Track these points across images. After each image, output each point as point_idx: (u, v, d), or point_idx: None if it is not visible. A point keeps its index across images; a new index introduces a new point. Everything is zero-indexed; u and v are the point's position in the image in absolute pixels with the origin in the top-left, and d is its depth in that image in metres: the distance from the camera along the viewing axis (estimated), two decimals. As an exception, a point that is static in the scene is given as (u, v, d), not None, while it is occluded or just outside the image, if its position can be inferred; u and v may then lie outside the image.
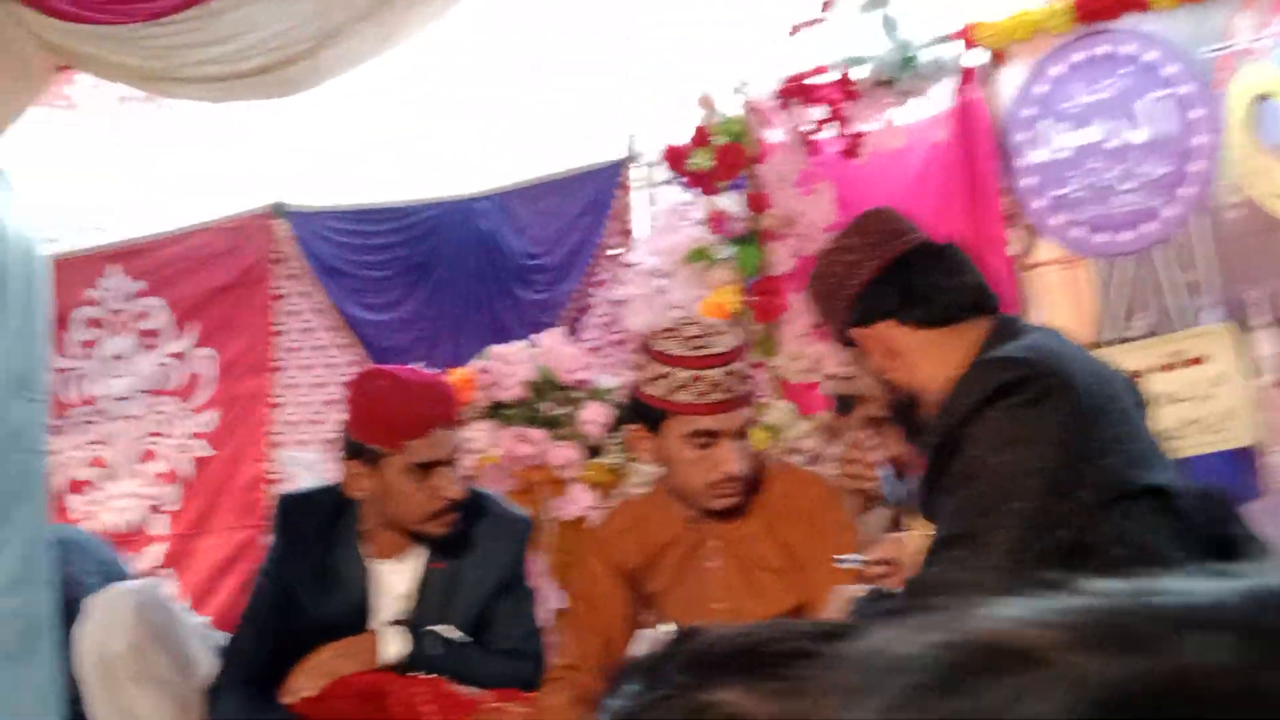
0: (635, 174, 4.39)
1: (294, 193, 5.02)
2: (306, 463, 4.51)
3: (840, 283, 1.85)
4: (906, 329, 1.82)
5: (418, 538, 2.47)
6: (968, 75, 3.66)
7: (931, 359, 1.79)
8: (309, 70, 4.28)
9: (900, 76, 3.64)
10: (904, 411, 1.87)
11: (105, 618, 2.41)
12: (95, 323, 5.08)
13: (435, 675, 2.40)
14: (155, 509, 5.11)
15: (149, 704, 2.46)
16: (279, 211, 5.00)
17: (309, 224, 5.00)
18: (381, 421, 2.39)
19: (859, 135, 3.71)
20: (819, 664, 0.86)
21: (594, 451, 3.45)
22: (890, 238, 1.88)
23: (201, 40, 4.19)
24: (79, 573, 2.62)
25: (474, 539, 2.49)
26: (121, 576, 2.89)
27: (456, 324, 4.76)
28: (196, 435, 5.18)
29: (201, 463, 5.18)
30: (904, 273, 1.84)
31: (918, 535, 1.94)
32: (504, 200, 4.72)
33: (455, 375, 3.42)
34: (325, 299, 4.97)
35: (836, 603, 2.03)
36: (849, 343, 1.90)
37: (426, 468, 2.38)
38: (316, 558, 2.47)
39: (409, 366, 2.73)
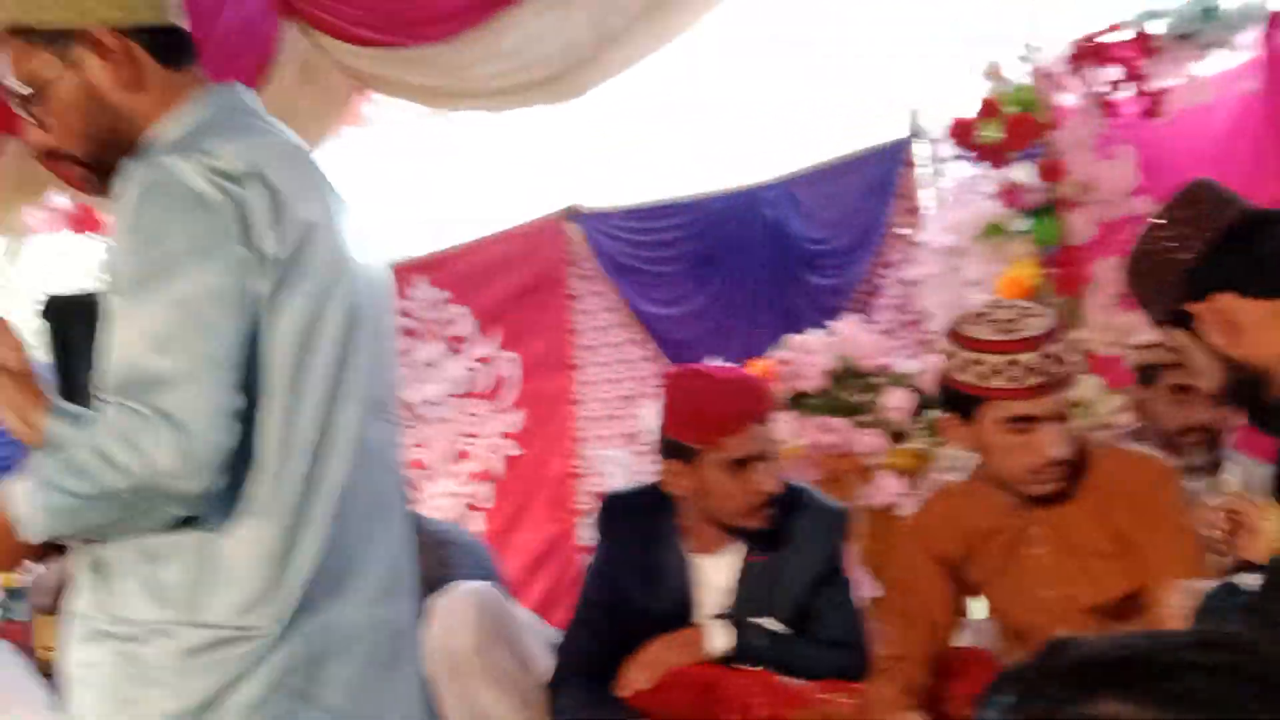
0: (920, 151, 4.32)
1: (585, 195, 5.17)
2: (619, 460, 4.64)
3: (1172, 256, 1.78)
4: (1250, 301, 1.74)
5: (736, 532, 2.51)
6: (1276, 20, 3.44)
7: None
8: (590, 75, 4.41)
9: (1202, 28, 3.46)
10: (1247, 391, 1.78)
11: (449, 618, 2.56)
12: (408, 332, 5.35)
13: (761, 667, 2.44)
14: (471, 507, 5.35)
15: (495, 701, 2.59)
16: (571, 214, 5.16)
17: (599, 224, 5.14)
18: (697, 420, 2.44)
19: (1160, 93, 3.55)
20: (1205, 675, 0.84)
21: (898, 437, 3.43)
22: (1221, 206, 1.80)
23: (487, 56, 4.38)
24: (459, 574, 2.80)
25: (792, 532, 2.52)
26: (496, 578, 3.07)
27: (747, 314, 4.81)
28: (505, 435, 5.40)
29: (511, 461, 5.40)
30: (1243, 241, 1.75)
31: (1275, 515, 1.85)
32: (789, 187, 4.72)
33: (755, 367, 3.46)
34: (618, 297, 5.09)
35: (1179, 594, 1.95)
36: (1176, 321, 1.83)
37: (743, 463, 2.42)
38: (641, 555, 2.55)
39: (721, 364, 2.77)
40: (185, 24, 1.71)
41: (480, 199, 5.52)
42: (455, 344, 5.46)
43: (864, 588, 2.89)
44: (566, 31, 4.15)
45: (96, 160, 1.67)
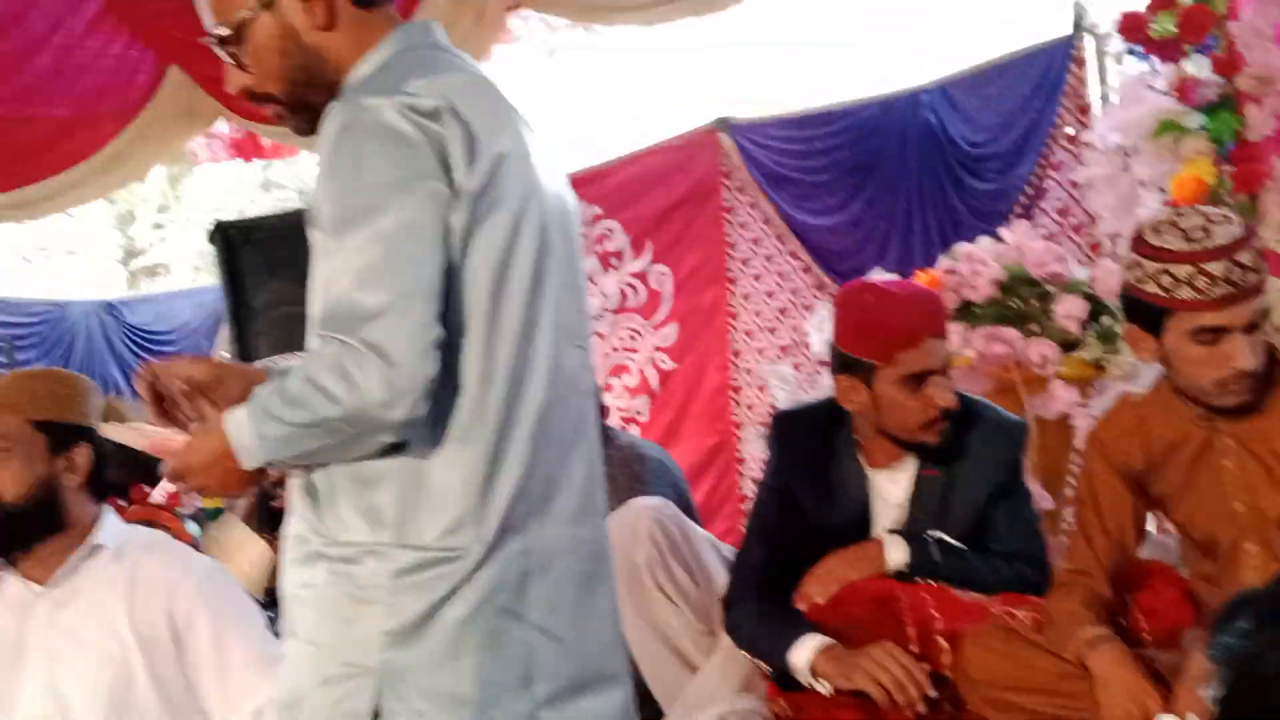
0: (1088, 47, 4.18)
1: (736, 106, 5.13)
2: (782, 374, 4.64)
3: None
4: None
5: (911, 446, 2.50)
6: None
7: None
8: (740, -16, 4.35)
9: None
10: None
11: (627, 533, 2.61)
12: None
13: (938, 581, 2.44)
14: (629, 420, 5.42)
15: (671, 614, 2.64)
16: (723, 126, 5.12)
17: (752, 135, 5.10)
18: (872, 335, 2.43)
19: (1345, -22, 3.36)
20: None
21: (1070, 346, 3.36)
22: None
23: (640, -33, 4.36)
24: (651, 490, 2.85)
25: (967, 445, 2.50)
26: (685, 494, 3.12)
27: (904, 223, 4.74)
28: (660, 349, 5.45)
29: (666, 375, 5.45)
30: None
31: None
32: (948, 90, 4.62)
33: (921, 277, 3.41)
34: (772, 209, 5.06)
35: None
36: None
37: (919, 378, 2.40)
38: (816, 469, 2.55)
39: (895, 278, 2.75)
40: None
41: (630, 113, 5.52)
42: (608, 259, 5.49)
43: (1039, 500, 2.86)
44: (718, -60, 4.10)
45: (293, 99, 1.72)
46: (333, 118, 1.58)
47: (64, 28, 5.43)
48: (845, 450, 2.55)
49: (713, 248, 5.29)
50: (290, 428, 1.53)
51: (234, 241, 5.67)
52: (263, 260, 5.62)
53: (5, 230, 10.20)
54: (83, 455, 2.28)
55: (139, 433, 1.82)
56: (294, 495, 1.67)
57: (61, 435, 2.27)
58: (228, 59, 1.71)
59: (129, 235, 11.22)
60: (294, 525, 1.67)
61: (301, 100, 1.71)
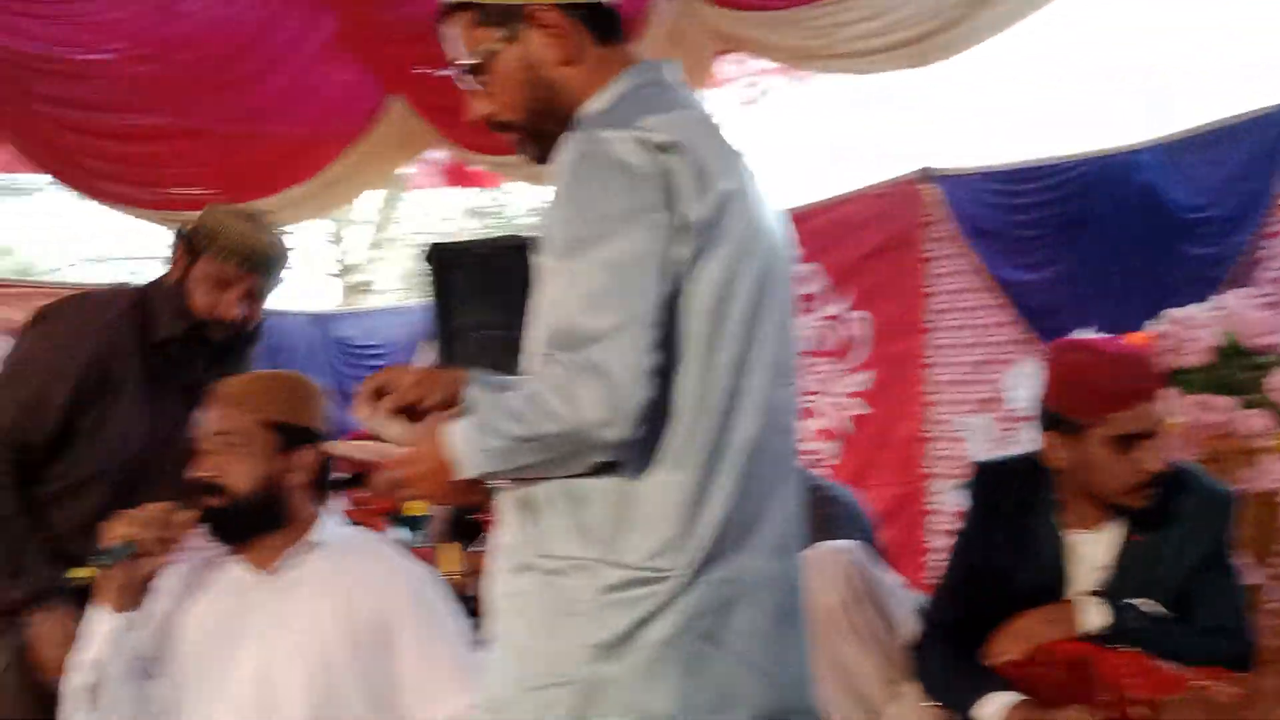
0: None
1: (942, 156, 5.10)
2: (979, 427, 4.59)
3: None
4: None
5: (1116, 509, 2.46)
6: None
7: None
8: (958, 37, 4.33)
9: None
10: None
11: (819, 573, 2.62)
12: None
13: (1135, 649, 2.39)
14: (818, 464, 5.41)
15: (859, 658, 2.64)
16: (928, 176, 5.10)
17: (958, 186, 5.05)
18: (1083, 394, 2.40)
19: None
20: None
21: (1284, 419, 3.24)
22: None
23: (857, 17, 4.37)
24: (839, 532, 2.87)
25: (1176, 512, 2.44)
26: (871, 538, 3.13)
27: (1113, 283, 4.62)
28: (853, 394, 5.43)
29: (859, 420, 5.42)
30: None
31: None
32: (1166, 151, 4.51)
33: (1130, 340, 3.34)
34: (975, 260, 5.00)
35: None
36: None
37: (1129, 440, 2.36)
38: (1014, 525, 2.53)
39: (1108, 337, 2.71)
40: (618, 2, 1.81)
41: (833, 158, 5.53)
42: (806, 301, 5.51)
43: (1244, 574, 2.77)
44: (939, -11, 4.10)
45: (532, 128, 1.80)
46: (569, 148, 1.66)
47: (298, 52, 5.72)
48: (1045, 508, 2.52)
49: (911, 296, 5.25)
50: (509, 441, 1.60)
51: (445, 263, 5.83)
52: (470, 283, 5.78)
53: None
54: (309, 456, 2.40)
55: (361, 448, 1.93)
56: (507, 507, 1.74)
57: (291, 436, 2.39)
58: (472, 87, 1.81)
59: (343, 252, 11.69)
60: (506, 535, 1.74)
61: (538, 129, 1.79)
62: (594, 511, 1.63)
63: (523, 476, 1.67)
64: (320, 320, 7.30)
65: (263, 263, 2.84)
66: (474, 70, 1.79)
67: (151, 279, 2.92)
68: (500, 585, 1.72)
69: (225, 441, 2.35)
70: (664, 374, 1.60)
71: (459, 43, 1.81)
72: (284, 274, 2.93)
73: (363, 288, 11.55)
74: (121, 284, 3.06)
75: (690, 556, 1.61)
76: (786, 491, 1.75)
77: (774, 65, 5.33)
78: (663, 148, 1.61)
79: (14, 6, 5.03)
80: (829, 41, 4.50)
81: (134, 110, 5.49)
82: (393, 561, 2.45)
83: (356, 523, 2.65)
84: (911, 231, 5.21)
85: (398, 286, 11.58)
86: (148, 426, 2.83)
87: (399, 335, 7.43)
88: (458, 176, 7.34)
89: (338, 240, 11.72)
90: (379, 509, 2.81)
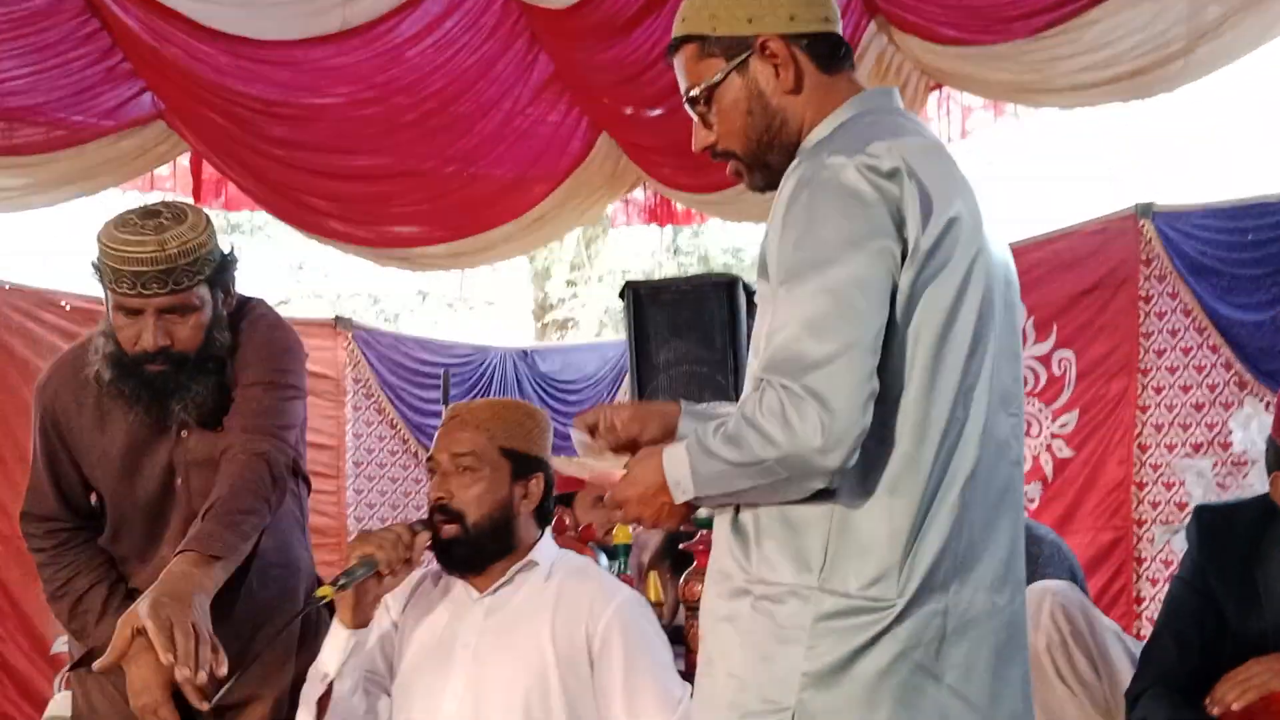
0: None
1: (1160, 192, 4.95)
2: (1200, 471, 4.43)
3: None
4: None
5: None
6: None
7: None
8: (1179, 70, 4.21)
9: None
10: None
11: (1028, 613, 2.56)
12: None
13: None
14: (1021, 506, 5.26)
15: (1070, 702, 2.57)
16: (1145, 212, 4.95)
17: (1177, 223, 4.89)
18: (1317, 434, 2.30)
19: None
20: None
21: None
22: None
23: (1074, 51, 4.30)
24: (1046, 573, 2.82)
25: None
26: (1080, 580, 3.07)
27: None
28: (1056, 436, 5.29)
29: (1061, 463, 5.27)
30: None
31: None
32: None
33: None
34: (1194, 300, 4.84)
35: None
36: None
37: (1368, 483, 2.26)
38: (1240, 571, 2.43)
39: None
40: (841, 30, 1.83)
41: (1044, 195, 5.42)
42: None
43: None
44: (1159, 24, 4.00)
45: (753, 158, 1.83)
46: (793, 174, 1.68)
47: (512, 94, 5.90)
48: (1275, 553, 2.41)
49: (1125, 336, 5.10)
50: (726, 465, 1.62)
51: (642, 300, 5.96)
52: (667, 320, 5.89)
53: (437, 279, 11.11)
54: (537, 484, 2.46)
55: (583, 466, 1.98)
56: (721, 532, 1.76)
57: (523, 464, 2.44)
58: (696, 118, 1.84)
59: (544, 290, 11.95)
60: (720, 560, 1.75)
61: (760, 159, 1.82)
62: (811, 538, 1.64)
63: (738, 501, 1.69)
64: (523, 355, 7.47)
65: (162, 276, 2.34)
66: (699, 101, 1.82)
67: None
68: (715, 609, 1.74)
69: (463, 465, 2.40)
70: (885, 401, 1.60)
71: (684, 74, 1.84)
72: (224, 270, 2.46)
73: (562, 325, 11.78)
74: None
75: (907, 586, 1.61)
76: (1009, 524, 1.72)
77: (981, 100, 5.27)
78: (889, 174, 1.62)
79: (247, 54, 5.32)
80: (1041, 75, 4.43)
81: (356, 152, 5.75)
82: (607, 585, 2.49)
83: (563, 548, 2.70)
84: (1127, 269, 5.06)
85: (596, 323, 11.77)
86: (120, 458, 2.55)
87: (596, 371, 7.55)
88: (660, 214, 7.44)
89: (541, 278, 11.99)
90: (584, 537, 2.87)
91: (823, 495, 1.62)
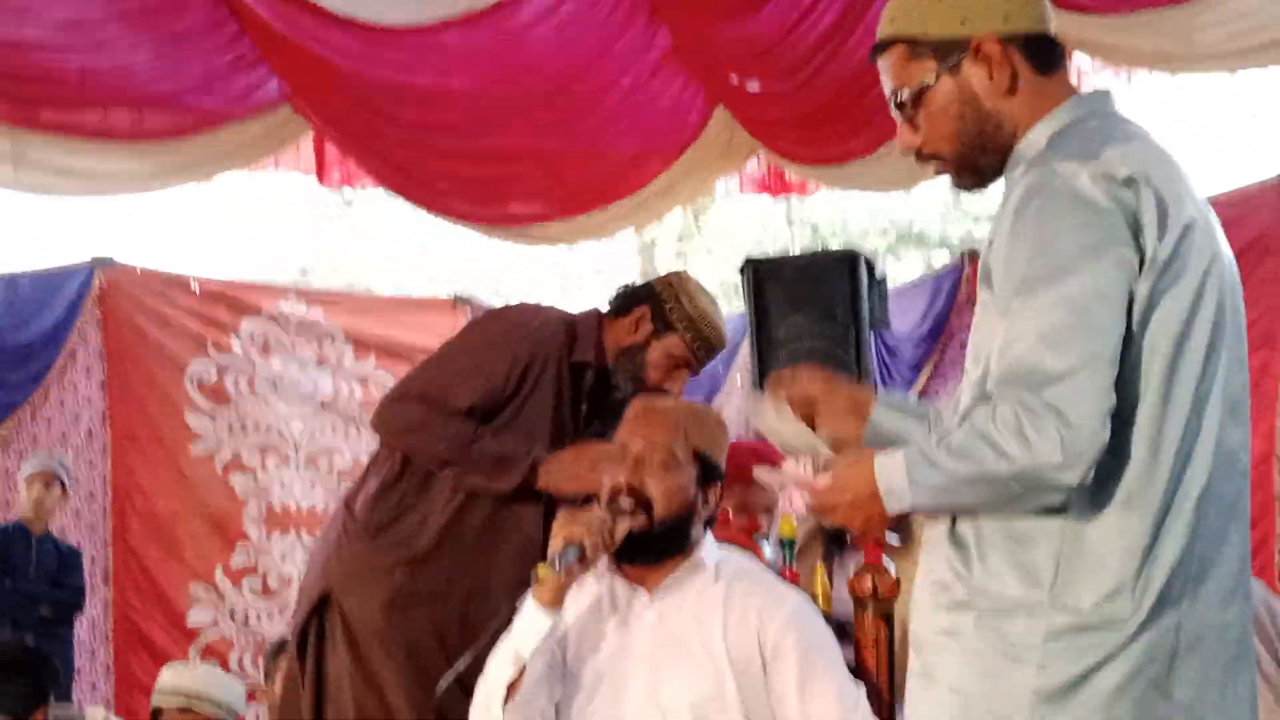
0: None
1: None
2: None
3: None
4: None
5: None
6: None
7: None
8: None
9: None
10: None
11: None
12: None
13: None
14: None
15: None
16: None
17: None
18: None
19: None
20: None
21: None
22: None
23: (1220, 18, 4.17)
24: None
25: None
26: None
27: None
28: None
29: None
30: None
31: None
32: None
33: None
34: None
35: None
36: None
37: None
38: None
39: None
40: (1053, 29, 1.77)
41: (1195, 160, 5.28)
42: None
43: None
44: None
45: (962, 160, 1.78)
46: (1020, 181, 1.63)
47: (631, 71, 5.87)
48: None
49: (1266, 309, 4.96)
50: (951, 479, 1.58)
51: (762, 276, 5.91)
52: (787, 295, 5.84)
53: (545, 252, 11.13)
54: (715, 494, 2.44)
55: (781, 474, 1.96)
56: (935, 541, 1.72)
57: (710, 471, 2.43)
58: (901, 120, 1.79)
59: (651, 262, 11.93)
60: (935, 571, 1.71)
61: (970, 162, 1.77)
62: (1039, 553, 1.60)
63: (957, 513, 1.66)
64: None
65: (718, 352, 3.06)
66: (907, 104, 1.77)
67: (585, 311, 3.07)
68: (932, 621, 1.70)
69: (659, 460, 2.38)
70: (1120, 413, 1.56)
71: (891, 76, 1.79)
72: None
73: (670, 298, 11.72)
74: (550, 306, 3.20)
75: (1142, 602, 1.56)
76: (1238, 535, 1.67)
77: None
78: (1126, 182, 1.57)
79: (374, 39, 5.35)
80: (1188, 43, 4.31)
81: (479, 132, 5.76)
82: (776, 588, 2.45)
83: (728, 543, 2.68)
84: (1269, 240, 4.92)
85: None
86: (550, 434, 2.92)
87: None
88: (773, 186, 7.38)
89: (648, 249, 11.96)
90: (748, 528, 2.85)
91: (1053, 508, 1.58)
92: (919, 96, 1.75)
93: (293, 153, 6.21)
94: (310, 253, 12.36)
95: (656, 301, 2.96)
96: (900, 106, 1.78)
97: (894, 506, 1.66)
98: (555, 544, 2.26)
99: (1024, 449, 1.52)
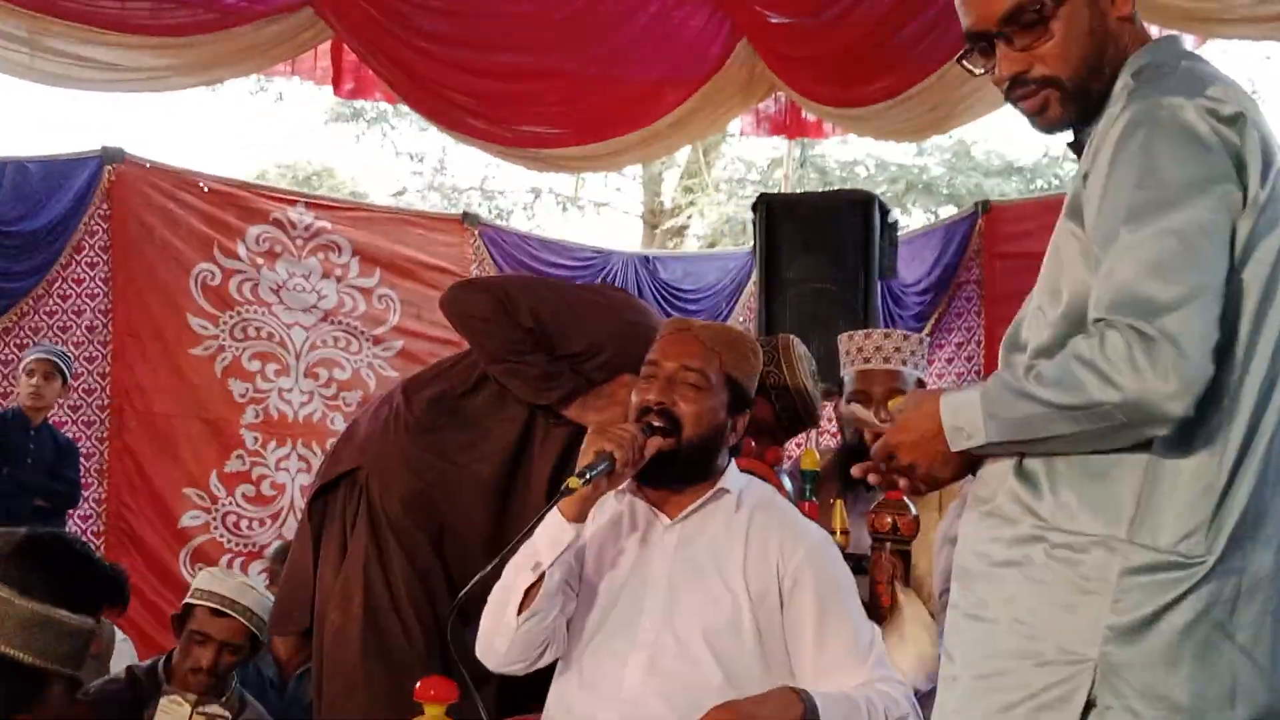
0: None
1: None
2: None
3: None
4: None
5: None
6: None
7: None
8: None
9: None
10: None
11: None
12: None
13: None
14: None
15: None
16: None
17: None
18: None
19: None
20: None
21: None
22: None
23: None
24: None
25: None
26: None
27: None
28: None
29: None
30: None
31: None
32: None
33: None
34: None
35: None
36: None
37: None
38: None
39: None
40: None
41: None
42: None
43: None
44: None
45: (1077, 86, 1.71)
46: (1122, 113, 1.60)
47: (659, -3, 5.81)
48: None
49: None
50: (1045, 408, 1.55)
51: (775, 214, 5.87)
52: (799, 235, 5.80)
53: (551, 179, 11.08)
54: (743, 423, 2.40)
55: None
56: (995, 475, 1.69)
57: (740, 399, 2.39)
58: (1005, 45, 1.72)
59: (656, 197, 11.89)
60: (998, 504, 1.68)
61: (1083, 87, 1.71)
62: (1116, 489, 1.58)
63: (1036, 450, 1.63)
64: (644, 262, 7.44)
65: (805, 428, 3.09)
66: (1032, 19, 1.69)
67: None
68: (991, 553, 1.68)
69: (691, 380, 2.34)
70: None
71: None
72: None
73: (676, 232, 11.71)
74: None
75: (1215, 543, 1.55)
76: None
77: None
78: (1232, 119, 1.56)
79: (401, -54, 5.29)
80: (1223, 6, 4.27)
81: (500, 49, 5.71)
82: (798, 522, 2.43)
83: (750, 473, 2.68)
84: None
85: (712, 231, 11.69)
86: None
87: (717, 281, 7.50)
88: (785, 125, 7.32)
89: (653, 184, 11.91)
90: (769, 460, 2.84)
91: (1135, 445, 1.56)
92: (1050, 11, 1.68)
93: (309, 60, 6.16)
94: (316, 163, 12.27)
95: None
96: (1019, 22, 1.70)
97: (962, 444, 1.65)
98: (586, 456, 2.23)
99: (1135, 377, 1.49)
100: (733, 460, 2.47)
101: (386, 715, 2.71)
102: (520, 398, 2.85)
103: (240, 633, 3.18)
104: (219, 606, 3.17)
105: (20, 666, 1.99)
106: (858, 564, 2.60)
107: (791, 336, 3.08)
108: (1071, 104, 1.73)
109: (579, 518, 2.25)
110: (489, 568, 2.18)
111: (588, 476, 2.18)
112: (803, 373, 2.97)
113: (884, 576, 2.61)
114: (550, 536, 2.25)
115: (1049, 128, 1.77)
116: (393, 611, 2.82)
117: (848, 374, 3.39)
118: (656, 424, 2.29)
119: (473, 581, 2.17)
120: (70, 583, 2.21)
